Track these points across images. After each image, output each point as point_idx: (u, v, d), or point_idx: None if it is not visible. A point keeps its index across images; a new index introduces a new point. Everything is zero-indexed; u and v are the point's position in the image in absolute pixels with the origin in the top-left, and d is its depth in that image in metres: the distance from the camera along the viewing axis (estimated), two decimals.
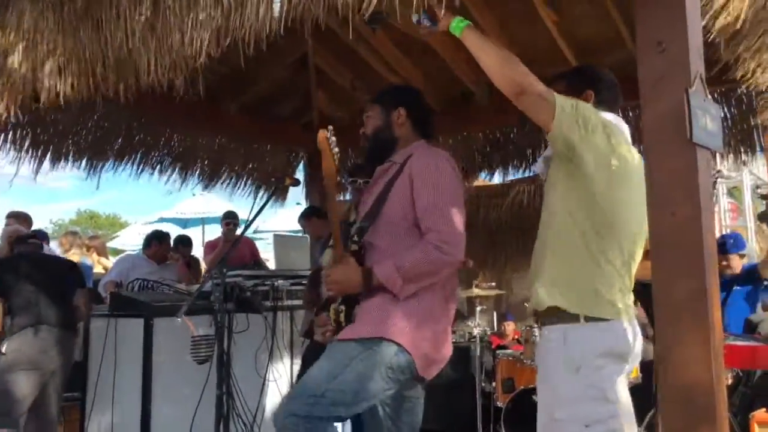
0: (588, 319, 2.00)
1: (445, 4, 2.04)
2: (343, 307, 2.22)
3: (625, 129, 2.14)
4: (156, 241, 5.10)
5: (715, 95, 4.42)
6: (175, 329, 3.33)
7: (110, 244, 11.07)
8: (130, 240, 11.07)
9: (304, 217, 4.45)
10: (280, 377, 3.99)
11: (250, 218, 2.71)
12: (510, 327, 5.90)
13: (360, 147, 2.53)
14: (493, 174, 5.84)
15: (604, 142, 1.97)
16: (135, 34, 2.44)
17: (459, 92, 4.91)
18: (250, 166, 5.74)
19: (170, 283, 3.72)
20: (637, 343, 2.02)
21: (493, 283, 4.98)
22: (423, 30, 2.19)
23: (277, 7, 2.11)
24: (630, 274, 2.07)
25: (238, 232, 5.02)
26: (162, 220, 9.85)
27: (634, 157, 2.06)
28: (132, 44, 2.46)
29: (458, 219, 2.20)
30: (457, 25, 2.08)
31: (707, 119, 1.78)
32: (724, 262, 4.18)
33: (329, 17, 2.42)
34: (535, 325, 3.93)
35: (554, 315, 2.08)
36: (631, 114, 4.28)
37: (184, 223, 9.94)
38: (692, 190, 1.72)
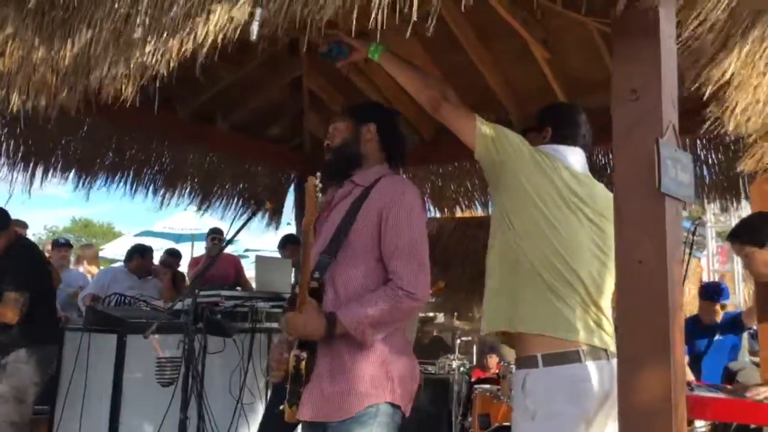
0: (546, 361, 2.00)
1: (356, 34, 2.06)
2: (305, 355, 2.06)
3: (575, 159, 2.19)
4: (138, 254, 5.08)
5: (703, 141, 4.46)
6: (149, 347, 3.30)
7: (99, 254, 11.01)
8: (120, 251, 11.03)
9: (282, 246, 4.43)
10: (254, 401, 3.95)
11: (227, 238, 2.69)
12: (493, 360, 5.86)
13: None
14: (486, 203, 5.86)
15: (530, 164, 2.05)
16: (99, 42, 2.41)
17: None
18: (241, 185, 5.74)
19: (147, 300, 3.69)
20: (606, 380, 1.99)
21: (476, 315, 4.96)
22: (339, 63, 2.27)
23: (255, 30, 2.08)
24: (600, 305, 2.06)
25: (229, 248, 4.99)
26: (151, 233, 9.82)
27: (583, 183, 2.13)
28: (93, 53, 2.44)
29: (426, 259, 2.12)
30: (375, 50, 2.17)
31: (678, 169, 1.78)
32: (705, 309, 4.20)
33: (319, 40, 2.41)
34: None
35: (518, 358, 2.11)
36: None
37: (177, 237, 9.91)
38: (659, 241, 1.72)
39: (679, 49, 1.90)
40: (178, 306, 3.83)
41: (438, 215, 5.95)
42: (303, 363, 2.05)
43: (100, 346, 3.53)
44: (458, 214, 6.01)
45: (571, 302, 2.04)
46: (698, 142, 4.50)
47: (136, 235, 10.68)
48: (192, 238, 9.51)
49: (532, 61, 4.02)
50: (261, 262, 4.25)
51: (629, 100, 1.80)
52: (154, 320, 3.30)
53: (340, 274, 2.11)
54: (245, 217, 2.84)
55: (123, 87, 2.50)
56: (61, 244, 5.65)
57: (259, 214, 5.55)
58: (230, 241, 2.69)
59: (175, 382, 2.70)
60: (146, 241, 9.64)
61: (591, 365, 2.00)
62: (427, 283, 2.10)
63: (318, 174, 2.03)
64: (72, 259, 6.03)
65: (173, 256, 5.91)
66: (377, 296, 2.04)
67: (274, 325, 3.92)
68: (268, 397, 3.55)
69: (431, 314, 7.06)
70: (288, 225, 6.50)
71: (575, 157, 2.20)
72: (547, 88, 4.24)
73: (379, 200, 2.13)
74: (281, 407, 2.10)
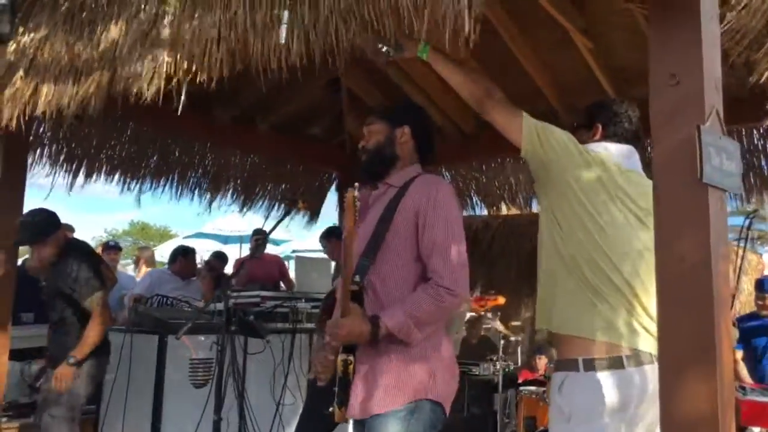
0: (587, 366, 1.94)
1: (410, 33, 2.09)
2: (352, 359, 2.06)
3: (625, 156, 2.12)
4: (181, 256, 5.13)
5: (761, 130, 4.22)
6: (189, 348, 3.33)
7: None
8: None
9: (325, 237, 4.41)
10: (295, 401, 3.94)
11: (258, 239, 2.66)
12: (542, 361, 5.72)
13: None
14: (529, 202, 5.72)
15: (577, 162, 2.00)
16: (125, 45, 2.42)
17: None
18: (283, 186, 5.76)
19: (189, 301, 3.71)
20: (650, 386, 1.90)
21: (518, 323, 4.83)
22: (383, 58, 2.29)
23: (283, 34, 2.06)
24: (646, 307, 1.96)
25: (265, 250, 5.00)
26: (201, 235, 9.97)
27: (633, 182, 2.06)
28: (119, 54, 2.46)
29: (465, 255, 2.10)
30: (423, 49, 2.20)
31: (722, 158, 1.66)
32: (760, 302, 3.98)
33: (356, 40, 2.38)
34: None
35: (558, 360, 2.07)
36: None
37: (225, 239, 10.03)
38: (702, 235, 1.60)
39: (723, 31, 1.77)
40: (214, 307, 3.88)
41: (484, 213, 5.83)
42: (351, 366, 2.06)
43: (142, 346, 3.58)
44: (503, 211, 5.89)
45: (615, 304, 1.97)
46: (755, 132, 4.26)
47: (186, 237, 10.87)
48: (240, 239, 9.61)
49: (574, 51, 3.88)
50: (300, 262, 4.24)
51: (668, 85, 1.68)
52: (195, 321, 3.33)
53: (379, 275, 2.11)
54: (278, 217, 2.82)
55: (151, 88, 2.52)
56: (110, 247, 5.77)
57: (299, 214, 5.57)
58: (264, 242, 2.65)
59: (208, 383, 2.69)
60: (196, 242, 9.81)
61: (634, 372, 1.92)
62: (466, 279, 2.08)
63: (356, 185, 2.01)
64: (121, 261, 6.16)
65: (219, 259, 5.97)
66: (419, 297, 2.03)
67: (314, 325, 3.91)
68: (305, 398, 3.53)
69: (480, 314, 6.95)
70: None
71: (626, 155, 2.12)
72: (591, 79, 4.08)
73: (414, 200, 2.12)
74: (330, 409, 2.09)
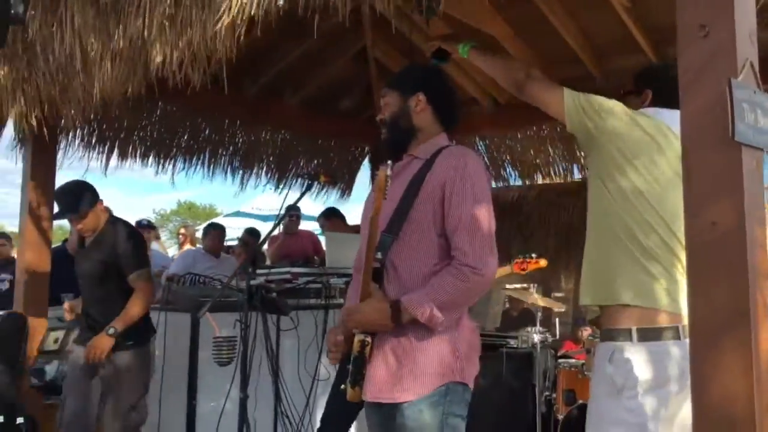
0: (642, 336, 1.88)
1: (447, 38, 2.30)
2: (370, 339, 1.95)
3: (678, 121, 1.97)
4: (212, 230, 5.15)
5: None
6: (229, 326, 3.33)
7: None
8: None
9: (325, 216, 4.37)
10: (329, 376, 3.93)
11: (280, 214, 2.64)
12: (586, 333, 5.61)
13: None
14: (569, 169, 5.55)
15: (627, 127, 1.94)
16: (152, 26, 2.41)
17: None
18: (316, 162, 5.72)
19: (222, 278, 3.72)
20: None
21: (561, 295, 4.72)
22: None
23: None
24: None
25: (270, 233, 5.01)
26: (239, 214, 10.05)
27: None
28: (147, 37, 2.44)
29: (492, 232, 1.97)
30: (464, 49, 2.27)
31: (758, 114, 1.53)
32: None
33: (383, 7, 2.32)
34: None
35: (607, 330, 1.98)
36: None
37: (264, 217, 10.08)
38: (735, 198, 1.48)
39: None
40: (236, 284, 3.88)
41: (519, 183, 5.70)
42: (368, 348, 1.96)
43: (176, 324, 3.61)
44: (539, 181, 5.74)
45: (672, 271, 1.91)
46: None
47: (226, 216, 10.99)
48: (277, 217, 9.65)
49: (609, 11, 3.70)
50: (331, 238, 4.21)
51: (697, 37, 1.55)
52: (227, 299, 3.34)
53: (402, 252, 1.99)
54: (300, 192, 2.78)
55: (180, 68, 2.51)
56: (143, 226, 5.84)
57: (332, 189, 5.54)
58: (283, 218, 2.62)
59: (233, 362, 2.69)
60: (235, 221, 9.91)
61: (683, 339, 1.86)
62: (493, 258, 1.94)
63: (389, 163, 1.90)
64: (165, 240, 6.25)
65: (252, 234, 6.00)
66: (443, 279, 1.91)
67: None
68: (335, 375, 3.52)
69: (524, 286, 6.84)
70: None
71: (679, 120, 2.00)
72: (629, 39, 3.90)
73: (441, 173, 1.98)
74: (342, 386, 2.03)
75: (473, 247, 1.91)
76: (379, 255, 1.96)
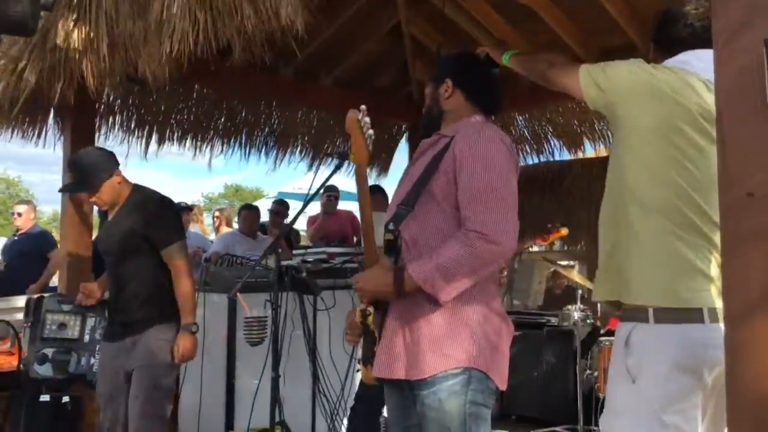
0: (659, 317, 1.71)
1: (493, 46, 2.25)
2: (371, 309, 1.92)
3: (701, 67, 1.82)
4: (245, 215, 5.19)
5: None
6: (260, 306, 3.36)
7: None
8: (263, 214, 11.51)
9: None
10: None
11: (310, 194, 2.62)
12: None
13: None
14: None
15: (647, 96, 1.77)
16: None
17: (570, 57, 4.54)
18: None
19: (258, 259, 3.75)
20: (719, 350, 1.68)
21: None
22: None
23: None
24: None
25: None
26: (284, 195, 10.09)
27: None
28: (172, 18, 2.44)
29: (508, 203, 1.89)
30: (506, 58, 2.20)
31: None
32: None
33: None
34: None
35: (628, 309, 1.81)
36: None
37: (304, 198, 10.11)
38: None
39: None
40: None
41: (567, 156, 5.57)
42: (370, 318, 1.92)
43: (215, 304, 3.66)
44: (589, 151, 5.60)
45: (700, 251, 1.74)
46: None
47: (268, 198, 11.08)
48: (307, 196, 9.65)
49: None
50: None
51: None
52: (264, 280, 3.36)
53: (417, 225, 1.95)
54: (330, 171, 2.74)
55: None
56: (181, 208, 5.94)
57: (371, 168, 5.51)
58: (313, 198, 2.61)
59: (264, 341, 2.70)
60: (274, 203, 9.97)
61: (716, 328, 1.67)
62: (508, 226, 1.85)
63: (362, 107, 1.86)
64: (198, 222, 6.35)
65: (281, 204, 6.02)
66: (449, 245, 1.84)
67: None
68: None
69: (568, 263, 6.73)
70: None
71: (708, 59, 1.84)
72: (675, 5, 3.73)
73: (457, 145, 1.96)
74: (358, 369, 2.01)
75: (481, 214, 1.84)
76: (391, 226, 1.93)
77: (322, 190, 5.86)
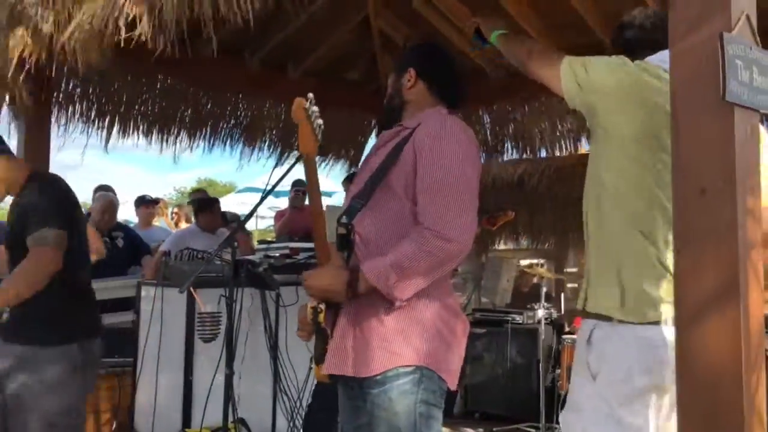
0: (621, 317, 1.72)
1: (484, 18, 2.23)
2: (322, 307, 1.85)
3: None
4: (201, 211, 5.10)
5: None
6: (214, 301, 3.29)
7: None
8: (230, 208, 11.38)
9: (349, 180, 4.28)
10: None
11: (267, 188, 2.55)
12: None
13: None
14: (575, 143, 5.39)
15: (630, 98, 1.72)
16: None
17: None
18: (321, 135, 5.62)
19: (213, 252, 3.67)
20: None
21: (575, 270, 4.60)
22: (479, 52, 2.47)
23: None
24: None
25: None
26: (253, 189, 9.99)
27: None
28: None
29: (467, 199, 1.82)
30: (493, 36, 2.16)
31: (753, 72, 1.41)
32: None
33: None
34: None
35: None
36: None
37: (276, 193, 10.02)
38: (727, 164, 1.37)
39: None
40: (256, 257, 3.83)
41: (522, 156, 5.55)
42: (321, 315, 1.86)
43: (173, 299, 3.57)
44: (547, 153, 5.58)
45: (654, 254, 1.72)
46: None
47: (238, 192, 10.96)
48: (264, 191, 9.55)
49: None
50: (331, 212, 4.12)
51: None
52: (222, 275, 3.29)
53: (371, 219, 1.89)
54: (288, 165, 2.69)
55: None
56: (147, 201, 5.84)
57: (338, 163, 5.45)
58: (269, 193, 2.54)
59: (217, 338, 2.64)
60: (248, 197, 9.85)
61: (670, 331, 1.65)
62: (464, 223, 1.78)
63: (309, 95, 1.78)
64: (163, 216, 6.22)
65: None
66: (404, 245, 1.78)
67: None
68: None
69: (537, 262, 6.75)
70: None
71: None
72: (641, 2, 3.73)
73: (417, 139, 1.89)
74: (311, 367, 1.96)
75: (434, 209, 1.78)
76: (344, 219, 1.86)
77: (290, 185, 5.81)
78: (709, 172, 1.40)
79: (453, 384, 1.90)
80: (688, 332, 1.43)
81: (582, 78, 1.78)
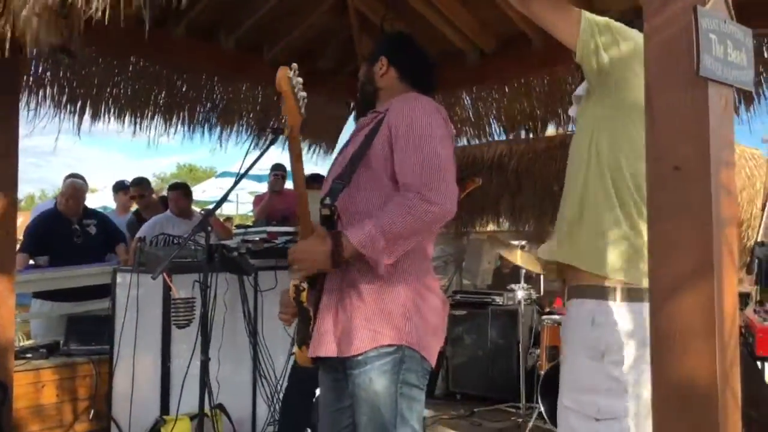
0: (626, 296, 1.73)
1: None
2: (305, 285, 1.88)
3: None
4: (171, 191, 5.01)
5: None
6: (188, 287, 3.24)
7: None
8: (210, 193, 11.29)
9: (313, 180, 4.24)
10: None
11: (241, 172, 2.51)
12: None
13: None
14: (561, 123, 5.37)
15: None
16: None
17: (516, 34, 4.48)
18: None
19: (186, 237, 3.62)
20: None
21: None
22: None
23: None
24: None
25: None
26: (231, 174, 9.90)
27: None
28: None
29: (446, 169, 1.86)
30: None
31: (728, 47, 1.39)
32: None
33: None
34: None
35: (583, 286, 1.80)
36: None
37: (257, 177, 9.92)
38: (700, 140, 1.35)
39: None
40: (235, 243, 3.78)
41: (504, 137, 5.53)
42: (304, 294, 1.88)
43: (149, 285, 3.52)
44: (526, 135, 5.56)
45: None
46: None
47: (218, 177, 10.86)
48: (238, 174, 9.45)
49: None
50: (311, 196, 4.08)
51: None
52: (197, 261, 3.24)
53: (352, 199, 1.92)
54: (262, 148, 2.63)
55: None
56: (122, 187, 5.75)
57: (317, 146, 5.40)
58: (244, 175, 2.50)
59: (191, 323, 2.60)
60: (228, 182, 9.76)
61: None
62: (446, 188, 1.83)
63: (294, 65, 1.76)
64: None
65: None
66: (387, 207, 1.81)
67: None
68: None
69: (518, 243, 6.75)
70: None
71: None
72: None
73: (390, 118, 1.94)
74: (293, 350, 1.94)
75: (418, 177, 1.82)
76: (328, 200, 1.88)
77: (270, 169, 5.74)
78: (683, 147, 1.38)
79: (433, 362, 1.93)
80: (663, 308, 1.41)
81: (606, 39, 1.72)
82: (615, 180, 1.77)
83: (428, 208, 1.78)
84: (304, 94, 1.83)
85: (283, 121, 1.85)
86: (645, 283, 1.65)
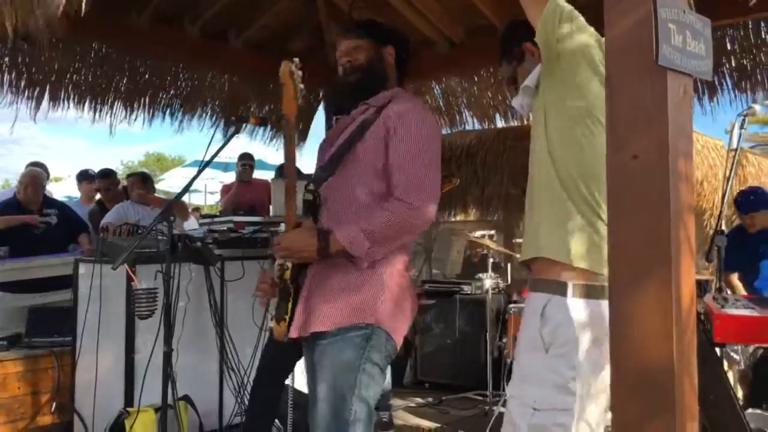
0: (577, 292, 1.74)
1: None
2: (289, 264, 1.96)
3: None
4: (129, 179, 4.94)
5: None
6: (150, 277, 3.19)
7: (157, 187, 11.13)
8: (176, 182, 11.15)
9: (280, 176, 4.21)
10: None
11: (206, 160, 2.49)
12: None
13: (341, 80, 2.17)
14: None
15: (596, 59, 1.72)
16: None
17: (482, 24, 4.48)
18: (268, 107, 5.51)
19: (161, 229, 3.56)
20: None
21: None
22: None
23: None
24: None
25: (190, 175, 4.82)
26: (200, 163, 9.76)
27: None
28: None
29: (432, 174, 1.97)
30: None
31: (687, 36, 1.40)
32: (749, 221, 3.85)
33: None
34: None
35: (541, 280, 1.82)
36: None
37: (224, 166, 9.82)
38: (659, 129, 1.36)
39: None
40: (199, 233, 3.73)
41: (477, 127, 5.55)
42: (287, 273, 1.94)
43: (112, 276, 3.45)
44: (499, 124, 5.60)
45: (602, 224, 1.76)
46: (763, 24, 3.90)
47: (186, 166, 10.72)
48: (202, 162, 9.37)
49: None
50: (277, 185, 4.04)
51: None
52: (162, 251, 3.19)
53: (340, 190, 2.00)
54: (228, 136, 2.61)
55: None
56: (86, 177, 5.64)
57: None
58: (208, 164, 2.47)
59: (153, 315, 2.56)
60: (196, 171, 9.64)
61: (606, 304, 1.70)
62: (431, 195, 1.95)
63: (296, 60, 1.90)
64: None
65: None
66: (374, 211, 1.93)
67: None
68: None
69: (484, 233, 6.79)
70: None
71: None
72: None
73: (387, 117, 2.01)
74: (270, 324, 1.98)
75: (405, 183, 1.93)
76: (311, 187, 1.97)
77: (238, 159, 5.68)
78: (641, 137, 1.39)
79: (399, 343, 2.02)
80: (622, 294, 1.43)
81: (565, 29, 1.74)
82: (560, 171, 1.79)
83: (410, 214, 1.91)
84: (302, 86, 1.98)
85: (281, 108, 1.97)
86: (606, 270, 1.70)
